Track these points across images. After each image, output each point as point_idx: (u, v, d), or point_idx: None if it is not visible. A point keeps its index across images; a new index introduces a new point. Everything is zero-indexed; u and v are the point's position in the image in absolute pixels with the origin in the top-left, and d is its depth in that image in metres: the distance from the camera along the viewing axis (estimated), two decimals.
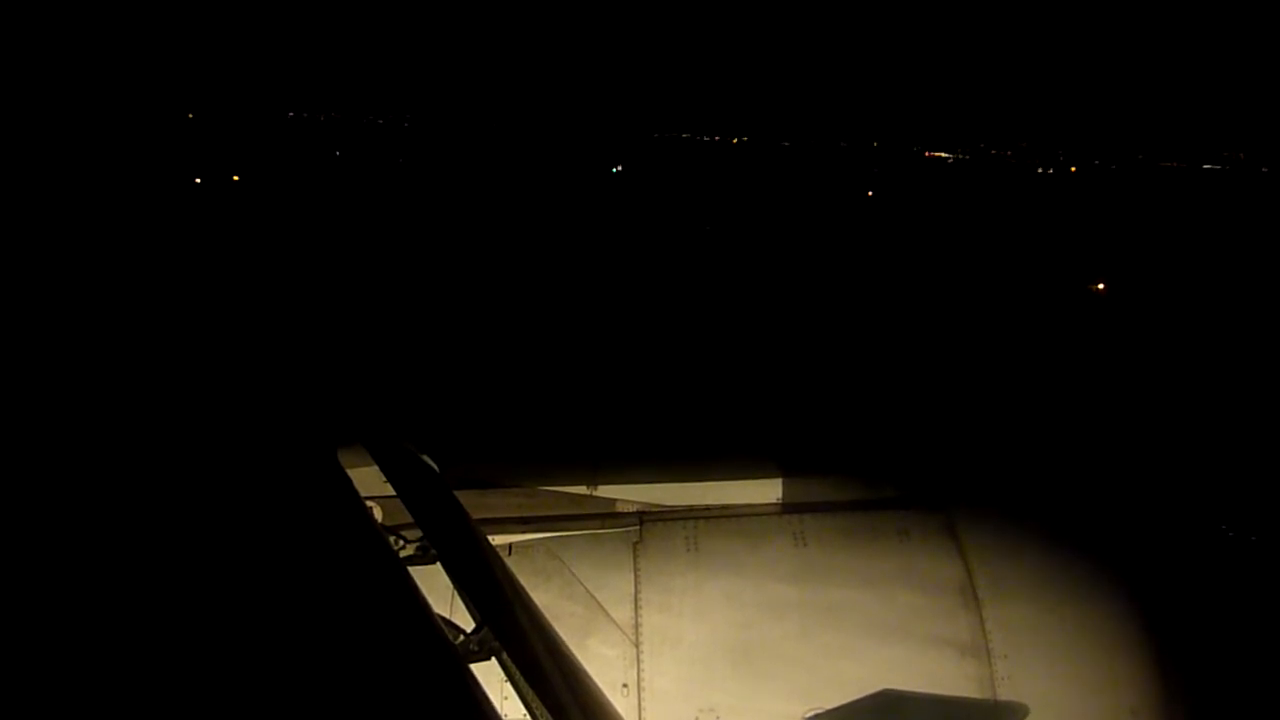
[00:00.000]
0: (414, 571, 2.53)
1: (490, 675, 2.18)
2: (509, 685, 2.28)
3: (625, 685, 3.55)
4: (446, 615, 2.59)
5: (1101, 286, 30.77)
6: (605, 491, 3.99)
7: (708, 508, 3.96)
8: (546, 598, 3.57)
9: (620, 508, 3.96)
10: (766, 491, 4.03)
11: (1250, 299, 29.48)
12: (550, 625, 2.64)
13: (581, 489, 3.99)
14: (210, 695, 1.79)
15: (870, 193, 70.80)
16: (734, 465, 4.14)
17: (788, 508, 3.96)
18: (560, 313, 22.16)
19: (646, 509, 3.95)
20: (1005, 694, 3.49)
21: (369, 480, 3.35)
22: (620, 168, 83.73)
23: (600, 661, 3.54)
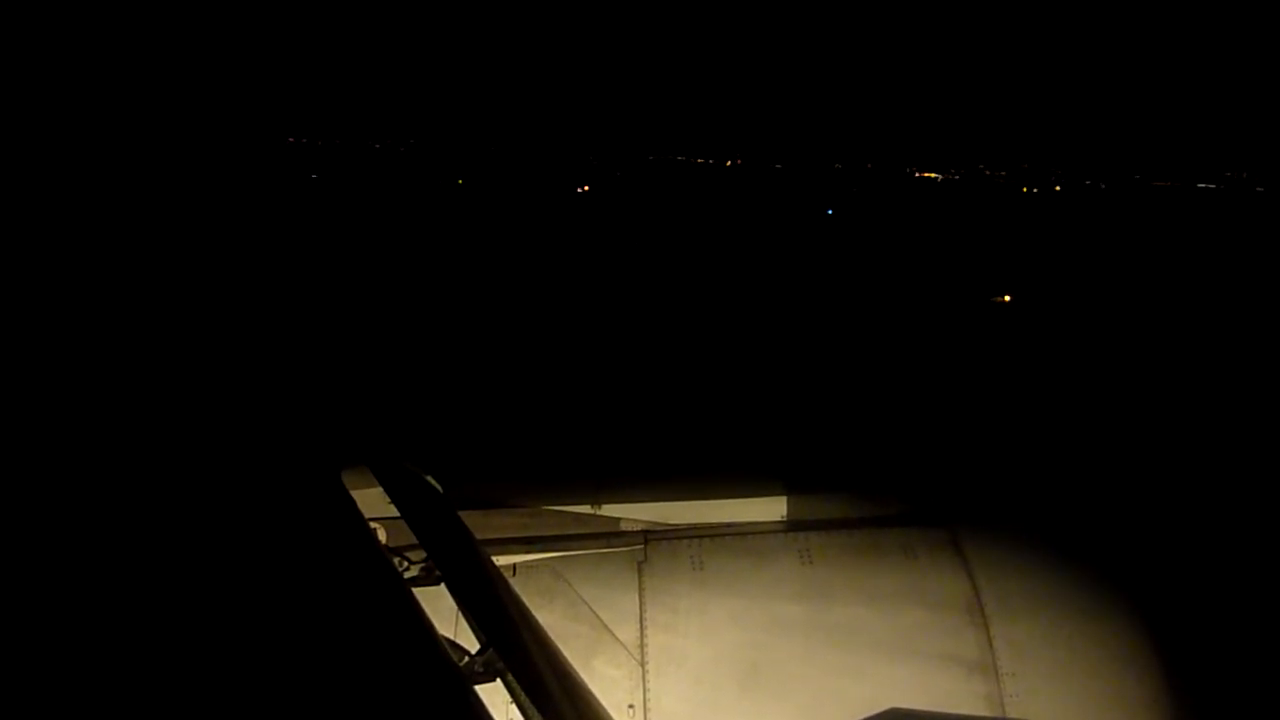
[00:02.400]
0: (418, 593, 2.52)
1: (495, 697, 2.17)
2: (514, 707, 2.27)
3: (631, 706, 3.53)
4: (451, 636, 2.58)
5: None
6: (609, 510, 3.98)
7: (712, 526, 3.95)
8: (551, 618, 3.56)
9: (625, 527, 3.95)
10: (771, 509, 4.02)
11: (1245, 307, 29.49)
12: (555, 646, 2.64)
13: (586, 508, 3.99)
14: (211, 716, 1.78)
15: (830, 210, 70.70)
16: (739, 483, 4.14)
17: (793, 525, 3.95)
18: (563, 332, 22.19)
19: (651, 528, 3.94)
20: (1013, 712, 3.46)
21: (373, 501, 3.35)
22: (586, 187, 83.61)
23: (606, 682, 3.52)
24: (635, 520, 3.96)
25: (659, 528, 3.94)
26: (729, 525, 3.95)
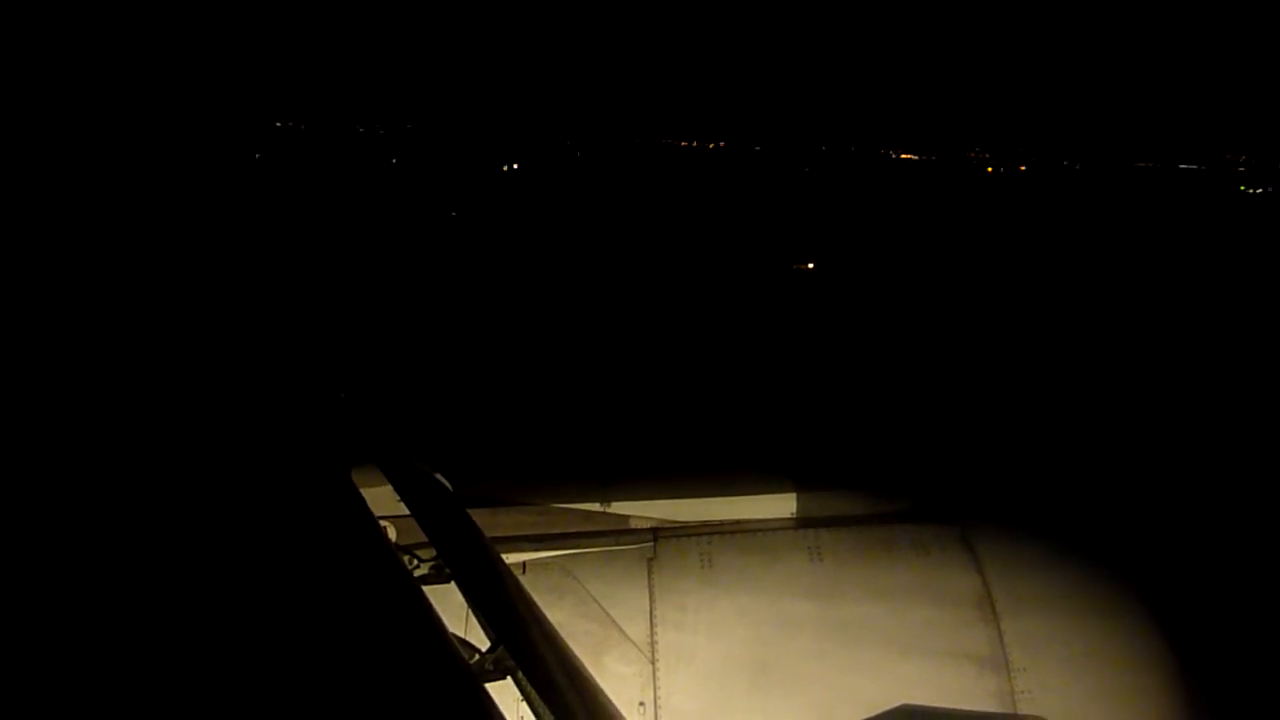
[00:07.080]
0: (429, 590, 2.53)
1: (506, 694, 2.18)
2: (524, 705, 2.27)
3: (642, 703, 3.53)
4: (461, 634, 2.59)
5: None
6: (619, 508, 3.98)
7: (722, 523, 3.95)
8: (561, 615, 3.56)
9: (634, 524, 3.95)
10: (781, 506, 4.01)
11: (1255, 300, 29.31)
12: (565, 643, 2.64)
13: (595, 506, 3.99)
14: (222, 715, 1.79)
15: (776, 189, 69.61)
16: (748, 480, 4.13)
17: (802, 522, 3.94)
18: (572, 329, 22.20)
19: (661, 525, 3.94)
20: (1025, 708, 3.46)
21: (383, 499, 3.35)
22: (516, 165, 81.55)
23: (616, 679, 3.52)
24: (645, 517, 3.96)
25: (668, 525, 3.94)
26: (739, 522, 3.95)
